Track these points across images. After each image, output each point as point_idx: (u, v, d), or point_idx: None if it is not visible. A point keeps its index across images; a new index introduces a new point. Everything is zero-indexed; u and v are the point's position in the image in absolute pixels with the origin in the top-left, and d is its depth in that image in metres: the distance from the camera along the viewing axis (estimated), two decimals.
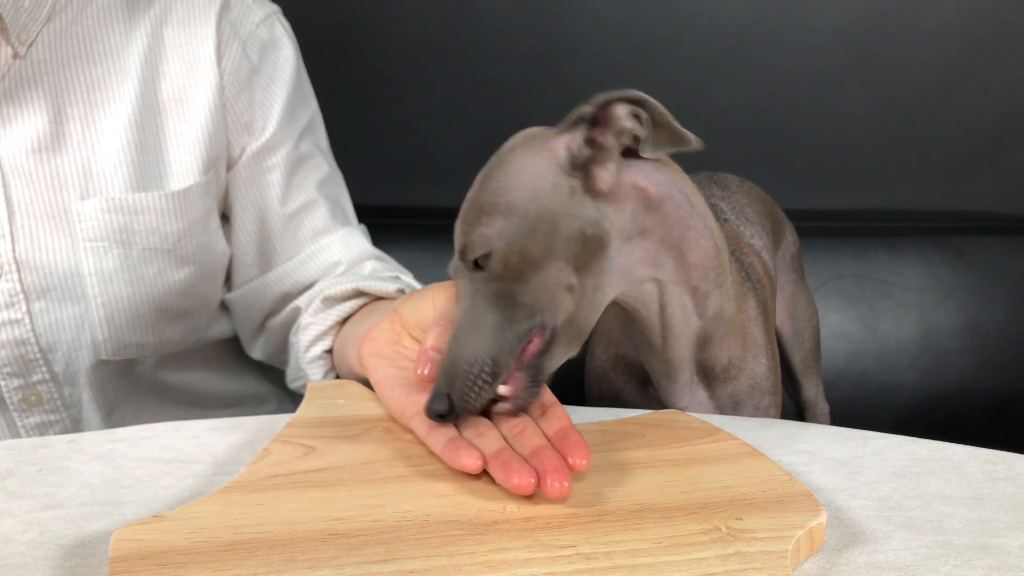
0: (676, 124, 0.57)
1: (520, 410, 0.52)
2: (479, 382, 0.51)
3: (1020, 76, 1.44)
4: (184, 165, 0.72)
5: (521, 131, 0.59)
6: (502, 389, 0.52)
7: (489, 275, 0.54)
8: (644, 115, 0.57)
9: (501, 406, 0.52)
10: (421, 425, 0.50)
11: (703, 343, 0.68)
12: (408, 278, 0.77)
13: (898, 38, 1.40)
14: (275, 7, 0.79)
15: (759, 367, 0.71)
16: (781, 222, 1.00)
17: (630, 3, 1.34)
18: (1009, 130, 1.47)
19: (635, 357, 0.72)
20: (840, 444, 0.55)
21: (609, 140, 0.57)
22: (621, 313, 0.67)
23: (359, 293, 0.72)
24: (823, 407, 1.06)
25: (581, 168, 0.57)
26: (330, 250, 0.77)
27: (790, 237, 1.01)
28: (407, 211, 1.32)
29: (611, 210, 0.58)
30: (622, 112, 0.57)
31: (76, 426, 0.73)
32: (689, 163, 0.65)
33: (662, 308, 0.64)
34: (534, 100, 1.36)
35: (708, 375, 0.70)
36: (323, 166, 0.79)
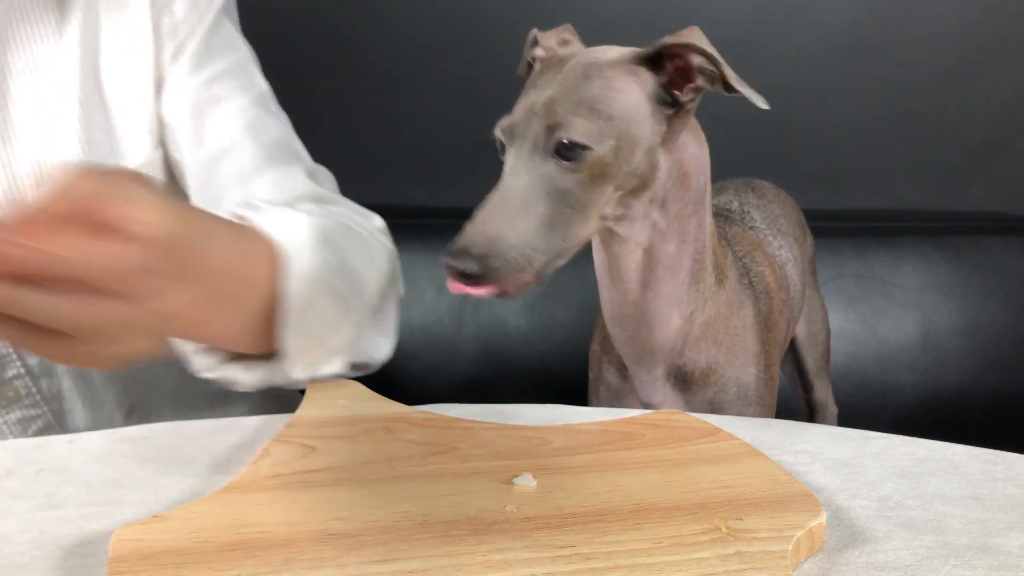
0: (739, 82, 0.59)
1: (509, 296, 0.55)
2: (515, 267, 0.54)
3: (1020, 76, 1.44)
4: (132, 143, 0.70)
5: (599, 47, 0.62)
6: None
7: (565, 167, 0.56)
8: (712, 71, 0.58)
9: (493, 288, 0.55)
10: None
11: (683, 347, 0.68)
12: (349, 220, 0.66)
13: (898, 38, 1.40)
14: None
15: (747, 376, 0.71)
16: (804, 229, 1.01)
17: (631, 4, 1.35)
18: (1009, 130, 1.47)
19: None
20: (840, 444, 0.55)
21: (690, 98, 0.60)
22: (604, 273, 0.67)
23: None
24: (832, 408, 1.07)
25: (662, 107, 0.59)
26: (257, 194, 0.70)
27: (808, 242, 1.02)
28: (407, 211, 1.32)
29: (662, 163, 0.61)
30: (697, 61, 0.58)
31: (59, 419, 0.72)
32: None
33: (644, 287, 0.65)
34: None
35: (686, 379, 0.70)
36: (249, 110, 0.73)
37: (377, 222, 0.70)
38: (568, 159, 0.56)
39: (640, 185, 0.60)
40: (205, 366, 0.56)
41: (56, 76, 0.68)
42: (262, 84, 0.78)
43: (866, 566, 0.41)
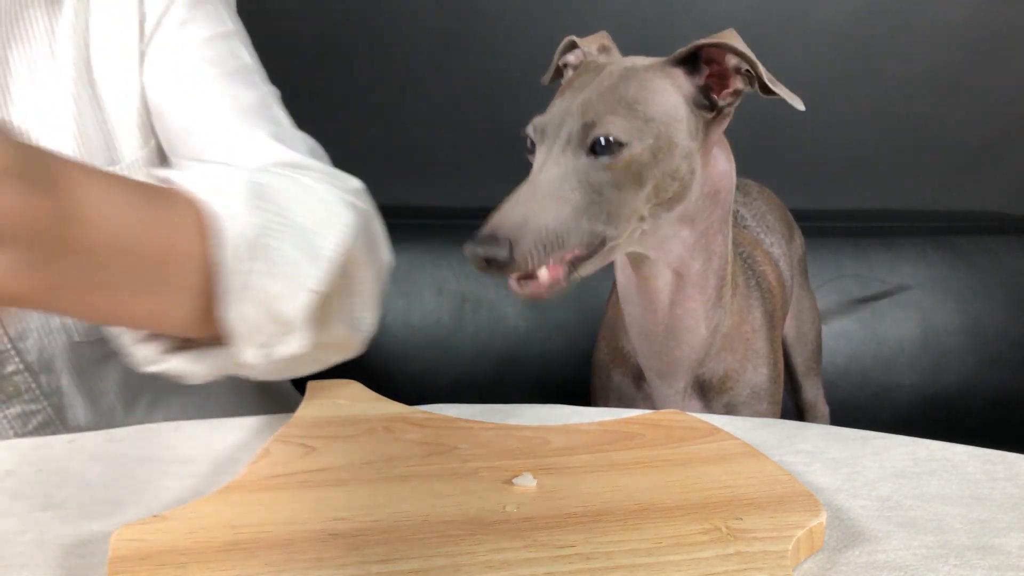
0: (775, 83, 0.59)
1: (535, 299, 0.54)
2: (543, 249, 0.52)
3: (1020, 76, 1.44)
4: (129, 137, 0.70)
5: (635, 57, 0.62)
6: (542, 273, 0.54)
7: (600, 163, 0.55)
8: (749, 72, 0.58)
9: (530, 286, 0.54)
10: None
11: (703, 357, 0.68)
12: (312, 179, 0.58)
13: (898, 38, 1.40)
14: None
15: (759, 377, 0.72)
16: (792, 226, 1.01)
17: (631, 4, 1.35)
18: (1009, 130, 1.47)
19: (630, 348, 0.72)
20: (840, 444, 0.55)
21: (729, 102, 0.60)
22: (632, 292, 0.67)
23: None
24: (823, 408, 1.06)
25: (700, 111, 0.59)
26: (222, 159, 0.66)
27: (797, 240, 1.02)
28: (407, 211, 1.31)
29: (697, 171, 0.61)
30: (733, 62, 0.58)
31: (59, 414, 0.72)
32: None
33: (672, 305, 0.65)
34: (534, 100, 1.36)
35: (704, 387, 0.70)
36: (221, 81, 0.70)
37: (353, 183, 0.62)
38: (603, 156, 0.55)
39: (676, 195, 0.59)
40: (146, 359, 0.47)
41: (51, 73, 0.68)
42: (246, 58, 0.73)
43: (866, 566, 0.41)
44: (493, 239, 0.51)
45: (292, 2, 1.33)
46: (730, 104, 0.60)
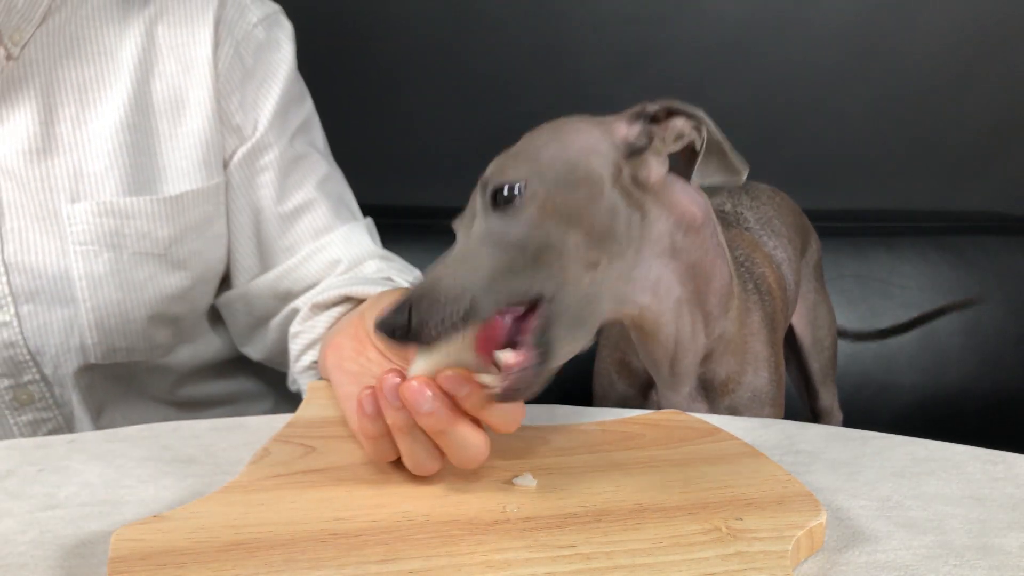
0: (729, 151, 0.57)
1: (516, 395, 0.44)
2: (450, 314, 0.45)
3: (1020, 76, 1.44)
4: (180, 169, 0.71)
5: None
6: (509, 357, 0.45)
7: (508, 214, 0.50)
8: (703, 134, 0.57)
9: (496, 385, 0.44)
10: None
11: (705, 359, 0.68)
12: (409, 278, 0.76)
13: (898, 37, 1.40)
14: (276, 7, 0.77)
15: (760, 380, 0.72)
16: (807, 232, 1.01)
17: (630, 3, 1.34)
18: (1009, 130, 1.47)
19: (638, 364, 0.73)
20: (840, 444, 0.55)
21: (664, 136, 0.57)
22: (635, 325, 0.67)
23: (347, 299, 0.70)
24: (838, 415, 1.07)
25: (635, 155, 0.57)
26: (330, 248, 0.75)
27: (814, 246, 1.02)
28: (407, 211, 1.31)
29: (652, 210, 0.58)
30: (681, 123, 0.57)
31: (69, 423, 0.73)
32: None
33: (677, 318, 0.65)
34: (534, 99, 1.36)
35: (707, 388, 0.70)
36: (321, 165, 0.78)
37: (417, 272, 0.79)
38: (506, 206, 0.50)
39: (627, 232, 0.55)
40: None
41: (103, 96, 0.69)
42: (321, 133, 0.81)
43: (866, 566, 0.41)
44: (395, 310, 0.45)
45: (292, 2, 1.33)
46: (664, 145, 0.57)
